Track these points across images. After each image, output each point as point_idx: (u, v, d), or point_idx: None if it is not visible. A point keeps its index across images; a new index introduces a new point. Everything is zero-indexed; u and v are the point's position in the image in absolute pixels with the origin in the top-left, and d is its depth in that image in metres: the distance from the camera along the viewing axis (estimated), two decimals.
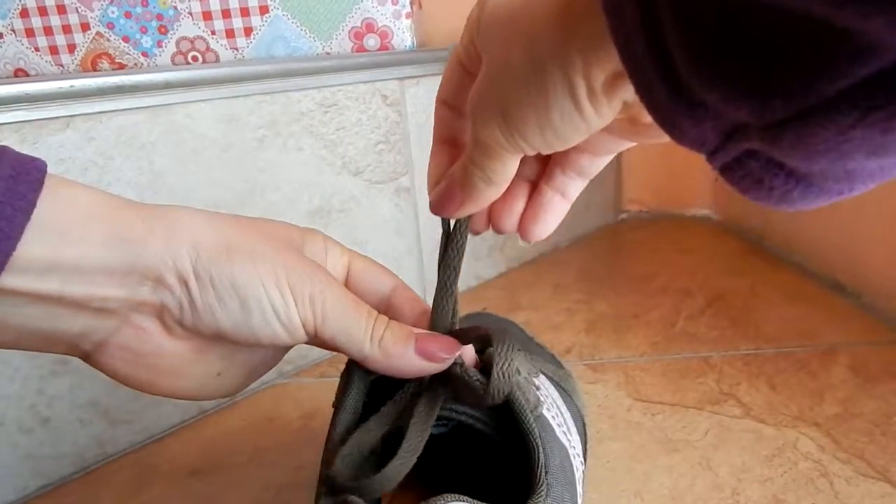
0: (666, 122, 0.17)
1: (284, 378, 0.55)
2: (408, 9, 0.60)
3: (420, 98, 0.61)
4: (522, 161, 0.26)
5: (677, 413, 0.47)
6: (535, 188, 0.30)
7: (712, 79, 0.15)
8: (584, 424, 0.40)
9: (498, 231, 0.31)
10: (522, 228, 0.30)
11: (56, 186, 0.24)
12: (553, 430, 0.31)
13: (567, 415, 0.36)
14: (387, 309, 0.32)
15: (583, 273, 0.75)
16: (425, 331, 0.30)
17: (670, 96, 0.16)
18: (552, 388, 0.37)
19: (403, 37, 0.60)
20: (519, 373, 0.31)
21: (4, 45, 0.59)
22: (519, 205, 0.30)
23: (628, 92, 0.20)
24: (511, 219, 0.30)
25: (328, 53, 0.60)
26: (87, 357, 0.27)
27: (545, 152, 0.23)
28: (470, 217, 0.31)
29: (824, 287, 0.65)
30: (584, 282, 0.72)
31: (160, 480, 0.43)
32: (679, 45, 0.15)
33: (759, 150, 0.16)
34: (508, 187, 0.27)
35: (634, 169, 0.92)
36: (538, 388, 0.33)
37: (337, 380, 0.32)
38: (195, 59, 0.60)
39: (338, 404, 0.30)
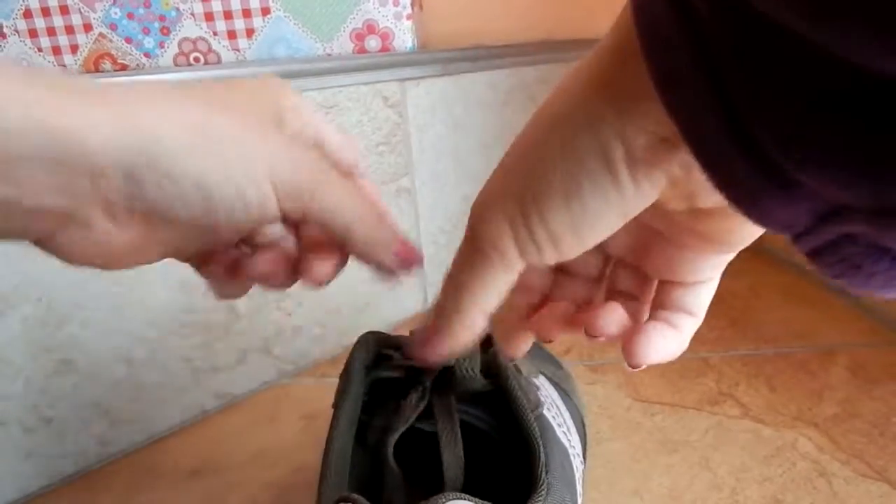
0: (744, 202, 0.15)
1: (285, 378, 0.55)
2: (409, 10, 0.60)
3: (421, 99, 0.61)
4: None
5: (676, 413, 0.47)
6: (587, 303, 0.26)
7: (813, 159, 0.12)
8: (583, 424, 0.40)
9: (593, 334, 0.25)
10: (626, 345, 0.24)
11: None
12: (553, 430, 0.31)
13: (567, 415, 0.36)
14: None
15: None
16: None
17: (752, 174, 0.14)
18: (552, 388, 0.37)
19: (404, 38, 0.60)
20: (520, 373, 0.31)
21: (7, 45, 0.59)
22: (618, 313, 0.25)
23: (673, 162, 0.17)
24: (608, 320, 0.25)
25: (329, 55, 0.60)
26: (35, 243, 0.23)
27: (570, 252, 0.20)
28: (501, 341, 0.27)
29: (823, 288, 0.66)
30: None
31: (161, 480, 0.44)
32: (764, 123, 0.13)
33: (861, 233, 0.14)
34: (565, 297, 0.25)
35: None
36: (538, 389, 0.33)
37: (337, 381, 0.33)
38: (197, 60, 0.60)
39: (337, 405, 0.30)
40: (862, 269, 0.14)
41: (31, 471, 0.42)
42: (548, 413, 0.32)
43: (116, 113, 0.21)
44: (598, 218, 0.19)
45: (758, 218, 0.15)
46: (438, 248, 0.66)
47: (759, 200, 0.14)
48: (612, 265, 0.27)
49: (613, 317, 0.25)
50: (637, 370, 0.25)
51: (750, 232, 0.22)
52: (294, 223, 0.26)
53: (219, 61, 0.60)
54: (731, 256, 0.24)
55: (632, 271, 0.26)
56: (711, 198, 0.19)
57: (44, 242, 0.22)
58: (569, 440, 0.33)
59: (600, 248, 0.26)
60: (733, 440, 0.43)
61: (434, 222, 0.65)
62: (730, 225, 0.21)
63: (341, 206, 0.25)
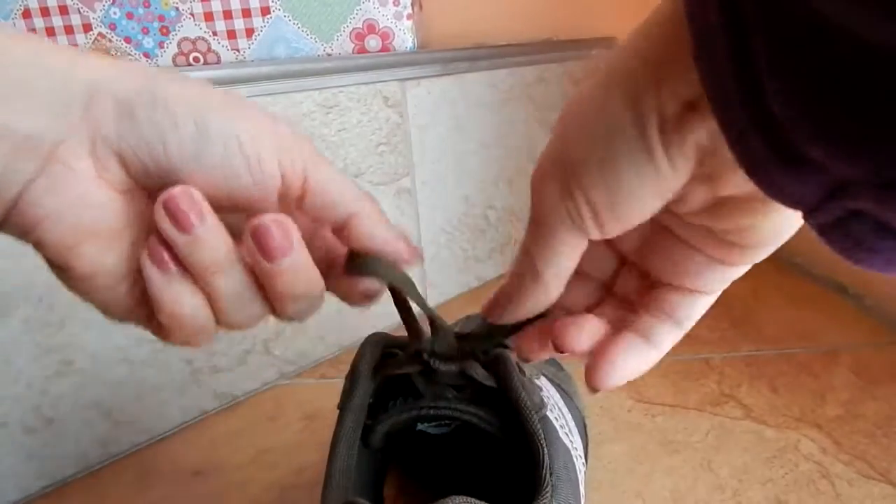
0: (759, 174, 0.15)
1: (286, 379, 0.55)
2: (409, 10, 0.60)
3: (421, 99, 0.61)
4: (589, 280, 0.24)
5: (678, 414, 0.47)
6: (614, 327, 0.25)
7: (823, 132, 0.13)
8: (584, 426, 0.40)
9: (561, 349, 0.25)
10: (588, 367, 0.25)
11: None
12: (556, 432, 0.31)
13: (568, 416, 0.36)
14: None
15: None
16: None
17: (767, 147, 0.14)
18: (553, 389, 0.37)
19: (404, 38, 0.60)
20: (523, 374, 0.31)
21: None
22: (591, 326, 0.25)
23: (702, 131, 0.18)
24: (579, 336, 0.25)
25: (329, 55, 0.60)
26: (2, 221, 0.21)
27: (609, 226, 0.20)
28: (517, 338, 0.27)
29: (826, 289, 0.65)
30: None
31: (162, 481, 0.44)
32: (780, 92, 0.13)
33: (867, 210, 0.14)
34: (574, 300, 0.25)
35: None
36: (541, 390, 0.33)
37: (338, 381, 0.32)
38: (197, 60, 0.60)
39: (343, 406, 0.30)
40: (868, 247, 0.15)
41: (32, 471, 0.42)
42: (550, 414, 0.32)
43: (117, 62, 0.22)
44: (632, 193, 0.19)
45: (770, 190, 0.15)
46: (439, 247, 0.66)
47: (771, 174, 0.15)
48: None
49: (586, 329, 0.25)
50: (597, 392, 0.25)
51: (763, 239, 0.22)
52: (291, 202, 0.25)
53: (218, 61, 0.60)
54: (738, 273, 0.24)
55: (636, 274, 0.26)
56: (732, 181, 0.19)
57: (23, 198, 0.21)
58: (571, 441, 0.33)
59: (615, 248, 0.26)
60: (735, 441, 0.43)
61: (435, 222, 0.65)
62: (746, 224, 0.21)
63: (343, 183, 0.25)
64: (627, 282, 0.26)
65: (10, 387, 0.40)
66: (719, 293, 0.25)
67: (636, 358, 0.25)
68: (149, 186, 0.22)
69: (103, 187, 0.22)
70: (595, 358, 0.24)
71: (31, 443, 0.42)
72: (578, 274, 0.25)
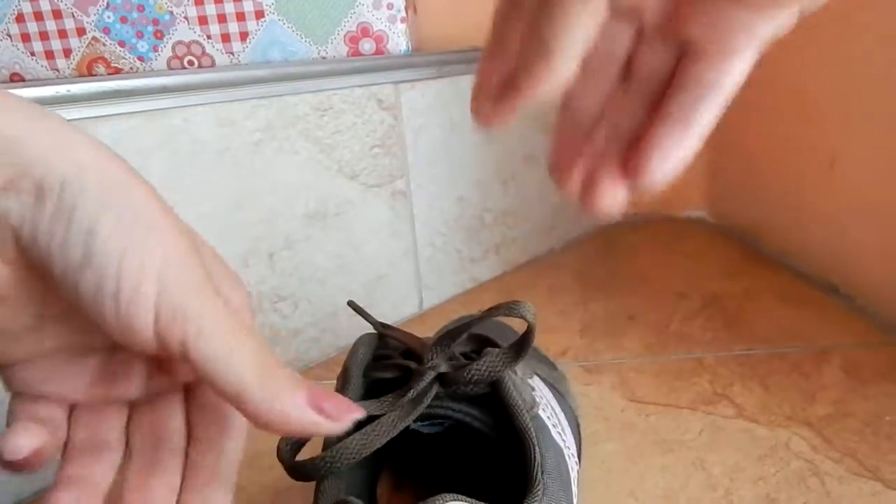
0: None
1: None
2: (403, 13, 0.60)
3: (415, 102, 0.62)
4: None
5: (671, 414, 0.47)
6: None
7: None
8: (577, 425, 0.40)
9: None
10: (631, 162, 0.22)
11: None
12: (548, 431, 0.31)
13: (561, 416, 0.36)
14: None
15: (578, 275, 0.75)
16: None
17: None
18: (546, 389, 0.37)
19: (398, 41, 0.61)
20: (515, 373, 0.31)
21: (0, 49, 0.59)
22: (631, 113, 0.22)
23: None
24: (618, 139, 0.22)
25: (324, 58, 0.60)
26: None
27: None
28: None
29: (818, 289, 0.66)
30: (578, 284, 0.72)
31: None
32: None
33: None
34: (592, 87, 0.22)
35: None
36: (533, 389, 0.34)
37: (332, 383, 0.33)
38: (191, 63, 0.60)
39: None
40: None
41: (25, 476, 0.42)
42: (543, 413, 0.32)
43: (55, 131, 0.20)
44: None
45: None
46: (435, 250, 0.66)
47: None
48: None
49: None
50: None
51: None
52: (163, 360, 0.22)
53: (213, 65, 0.60)
54: (772, 26, 0.20)
55: (659, 48, 0.22)
56: None
57: None
58: (564, 441, 0.33)
59: (634, 17, 0.22)
60: (727, 440, 0.43)
61: (429, 225, 0.65)
62: None
63: (236, 341, 0.21)
64: (653, 57, 0.22)
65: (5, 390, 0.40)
66: (754, 57, 0.21)
67: (680, 142, 0.22)
68: (37, 276, 0.21)
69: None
70: (641, 148, 0.22)
71: None
72: (592, 55, 0.21)
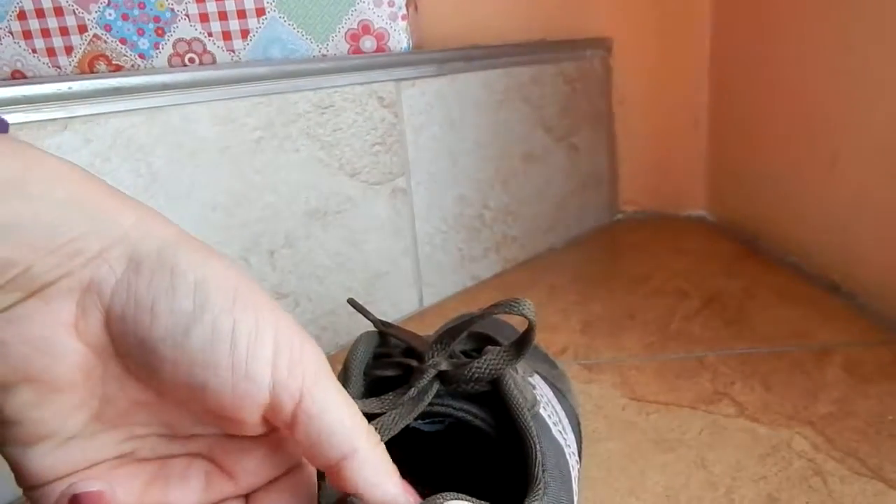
0: None
1: None
2: (404, 11, 0.60)
3: (416, 100, 0.61)
4: None
5: (672, 412, 0.47)
6: None
7: None
8: (578, 423, 0.40)
9: None
10: None
11: (25, 147, 0.19)
12: (549, 429, 0.31)
13: (562, 414, 0.36)
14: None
15: (578, 274, 0.75)
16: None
17: None
18: (547, 387, 0.37)
19: (399, 38, 0.60)
20: (516, 371, 0.31)
21: (2, 47, 0.59)
22: None
23: None
24: None
25: (324, 55, 0.60)
26: None
27: None
28: None
29: (819, 288, 0.66)
30: (579, 283, 0.72)
31: None
32: None
33: None
34: None
35: (630, 170, 0.93)
36: (534, 388, 0.33)
37: None
38: (192, 61, 0.60)
39: None
40: None
41: None
42: (543, 412, 0.32)
43: (147, 214, 0.21)
44: None
45: None
46: (434, 248, 0.66)
47: None
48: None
49: None
50: None
51: None
52: (279, 425, 0.21)
53: (214, 62, 0.60)
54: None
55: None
56: None
57: None
58: (564, 439, 0.33)
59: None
60: (729, 439, 0.43)
61: (430, 222, 0.65)
62: None
63: (344, 412, 0.21)
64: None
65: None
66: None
67: None
68: (123, 354, 0.20)
69: (73, 336, 0.19)
70: None
71: None
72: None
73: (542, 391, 0.35)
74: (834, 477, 0.39)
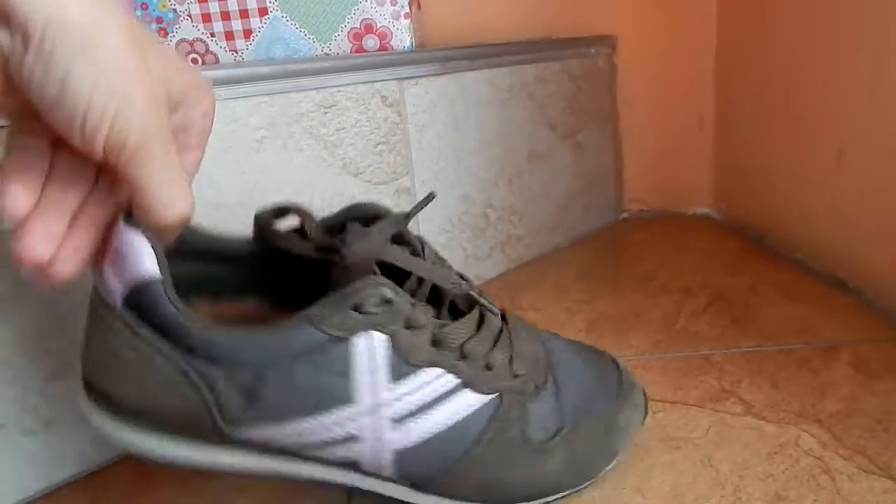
0: None
1: None
2: (407, 9, 0.60)
3: (420, 98, 0.61)
4: None
5: (679, 411, 0.47)
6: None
7: None
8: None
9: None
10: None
11: None
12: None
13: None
14: None
15: (584, 273, 0.75)
16: None
17: None
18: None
19: (402, 37, 0.60)
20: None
21: None
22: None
23: None
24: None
25: (327, 54, 0.60)
26: None
27: None
28: None
29: (826, 284, 0.65)
30: (585, 281, 0.72)
31: (163, 482, 0.43)
32: None
33: None
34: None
35: (635, 168, 0.93)
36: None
37: None
38: (195, 61, 0.60)
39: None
40: None
41: (30, 473, 0.42)
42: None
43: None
44: None
45: None
46: (439, 248, 0.66)
47: None
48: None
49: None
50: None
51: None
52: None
53: (216, 62, 0.60)
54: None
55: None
56: None
57: None
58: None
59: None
60: (736, 437, 0.43)
61: (434, 221, 0.65)
62: None
63: (160, 176, 0.28)
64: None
65: (8, 389, 0.40)
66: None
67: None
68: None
69: None
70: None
71: (30, 444, 0.42)
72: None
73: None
74: (842, 475, 0.39)
